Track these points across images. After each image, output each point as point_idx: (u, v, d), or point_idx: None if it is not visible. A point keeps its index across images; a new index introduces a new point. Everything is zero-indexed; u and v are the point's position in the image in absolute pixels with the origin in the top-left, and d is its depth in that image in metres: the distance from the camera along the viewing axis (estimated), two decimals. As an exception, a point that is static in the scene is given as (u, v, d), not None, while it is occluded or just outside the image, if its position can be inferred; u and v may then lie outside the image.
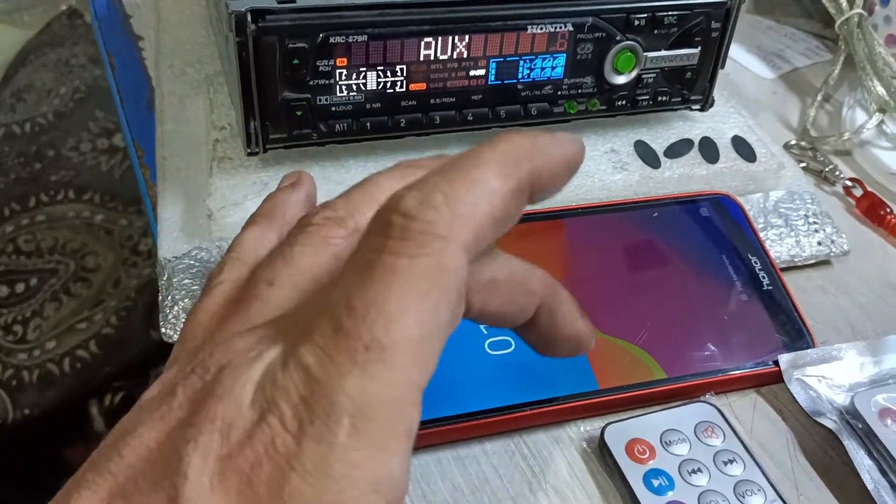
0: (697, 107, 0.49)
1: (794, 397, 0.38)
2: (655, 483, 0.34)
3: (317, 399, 0.20)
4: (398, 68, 0.42)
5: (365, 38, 0.40)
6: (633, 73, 0.46)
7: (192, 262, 0.41)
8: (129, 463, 0.22)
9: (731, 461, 0.35)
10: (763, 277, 0.43)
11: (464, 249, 0.22)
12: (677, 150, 0.49)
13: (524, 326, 0.29)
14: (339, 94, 0.42)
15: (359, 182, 0.29)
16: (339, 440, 0.20)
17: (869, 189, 0.52)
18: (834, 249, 0.46)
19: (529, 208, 0.44)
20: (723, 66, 0.48)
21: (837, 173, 0.53)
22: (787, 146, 0.55)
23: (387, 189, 0.27)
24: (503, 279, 0.27)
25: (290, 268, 0.27)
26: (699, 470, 0.35)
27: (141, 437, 0.22)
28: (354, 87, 0.42)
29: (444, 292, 0.21)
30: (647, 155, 0.48)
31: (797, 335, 0.41)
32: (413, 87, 0.43)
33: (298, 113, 0.41)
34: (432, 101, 0.43)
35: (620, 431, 0.36)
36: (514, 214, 0.24)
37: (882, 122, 0.55)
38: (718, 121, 0.51)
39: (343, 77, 0.41)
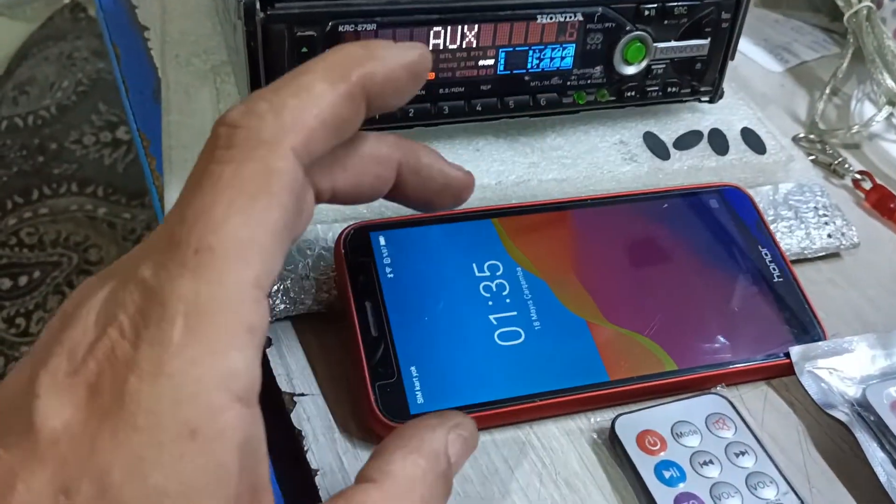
0: (707, 98, 0.49)
1: (805, 389, 0.38)
2: (667, 475, 0.34)
3: (152, 305, 0.21)
4: (407, 58, 0.41)
5: (374, 26, 0.40)
6: (643, 64, 0.46)
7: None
8: None
9: (742, 453, 0.35)
10: (773, 270, 0.42)
11: (292, 152, 0.23)
12: (686, 141, 0.48)
13: (395, 193, 0.30)
14: (347, 84, 0.41)
15: None
16: (173, 340, 0.20)
17: (878, 182, 0.51)
18: (844, 242, 0.46)
19: (536, 200, 0.44)
20: (732, 58, 0.48)
21: (847, 166, 0.53)
22: (795, 139, 0.55)
23: None
24: (346, 156, 0.28)
25: None
26: (710, 462, 0.35)
27: (8, 381, 0.23)
28: (363, 76, 0.41)
29: (274, 194, 0.22)
30: (656, 146, 0.48)
31: (808, 327, 0.40)
32: (422, 76, 0.42)
33: (307, 102, 0.41)
34: (441, 90, 0.43)
35: (631, 423, 0.36)
36: (349, 119, 0.25)
37: (891, 114, 0.55)
38: (727, 113, 0.51)
39: (352, 66, 0.41)
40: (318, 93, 0.24)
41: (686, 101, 0.49)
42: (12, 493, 0.20)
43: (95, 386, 0.20)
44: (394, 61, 0.26)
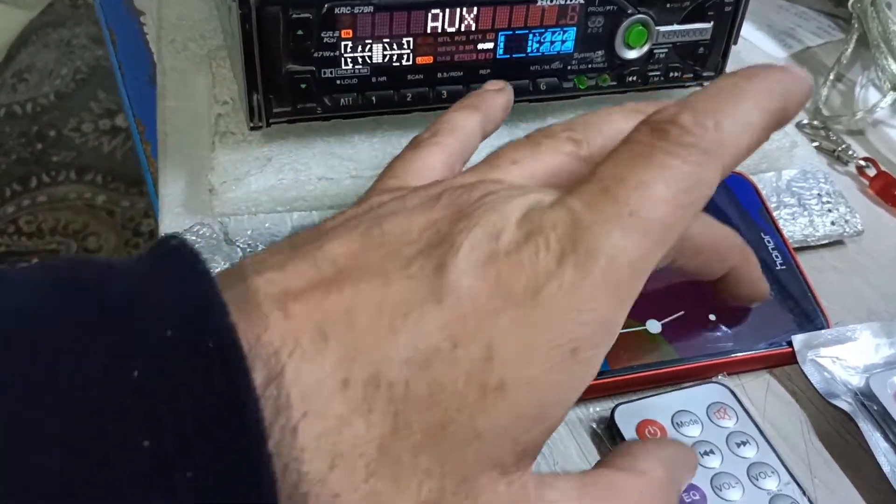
0: (710, 83, 0.48)
1: (807, 378, 0.37)
2: (667, 464, 0.33)
3: (581, 237, 0.23)
4: (405, 41, 0.41)
5: (371, 9, 0.39)
6: (645, 48, 0.45)
7: (194, 237, 0.40)
8: (388, 231, 0.24)
9: (744, 443, 0.35)
10: (776, 257, 0.42)
11: (720, 170, 0.25)
12: (688, 127, 0.48)
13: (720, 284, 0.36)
14: (344, 67, 0.41)
15: (590, 113, 0.31)
16: (593, 274, 0.22)
17: (882, 169, 0.51)
18: (847, 229, 0.45)
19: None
20: (735, 42, 0.47)
21: (850, 153, 0.52)
22: (799, 125, 0.54)
23: (615, 125, 0.29)
24: (706, 245, 0.34)
25: (534, 157, 0.29)
26: (711, 452, 0.34)
27: (403, 217, 0.24)
28: (360, 59, 0.41)
29: (698, 198, 0.24)
30: (657, 132, 0.47)
31: (811, 316, 0.40)
32: (420, 60, 0.42)
33: (303, 86, 0.40)
34: (439, 74, 0.42)
35: (631, 412, 0.35)
36: (760, 146, 0.27)
37: (896, 101, 0.54)
38: (730, 98, 0.50)
39: (348, 49, 0.40)
40: (752, 122, 0.25)
41: (689, 86, 0.49)
42: (404, 320, 0.21)
43: (509, 276, 0.22)
44: (800, 93, 0.27)
